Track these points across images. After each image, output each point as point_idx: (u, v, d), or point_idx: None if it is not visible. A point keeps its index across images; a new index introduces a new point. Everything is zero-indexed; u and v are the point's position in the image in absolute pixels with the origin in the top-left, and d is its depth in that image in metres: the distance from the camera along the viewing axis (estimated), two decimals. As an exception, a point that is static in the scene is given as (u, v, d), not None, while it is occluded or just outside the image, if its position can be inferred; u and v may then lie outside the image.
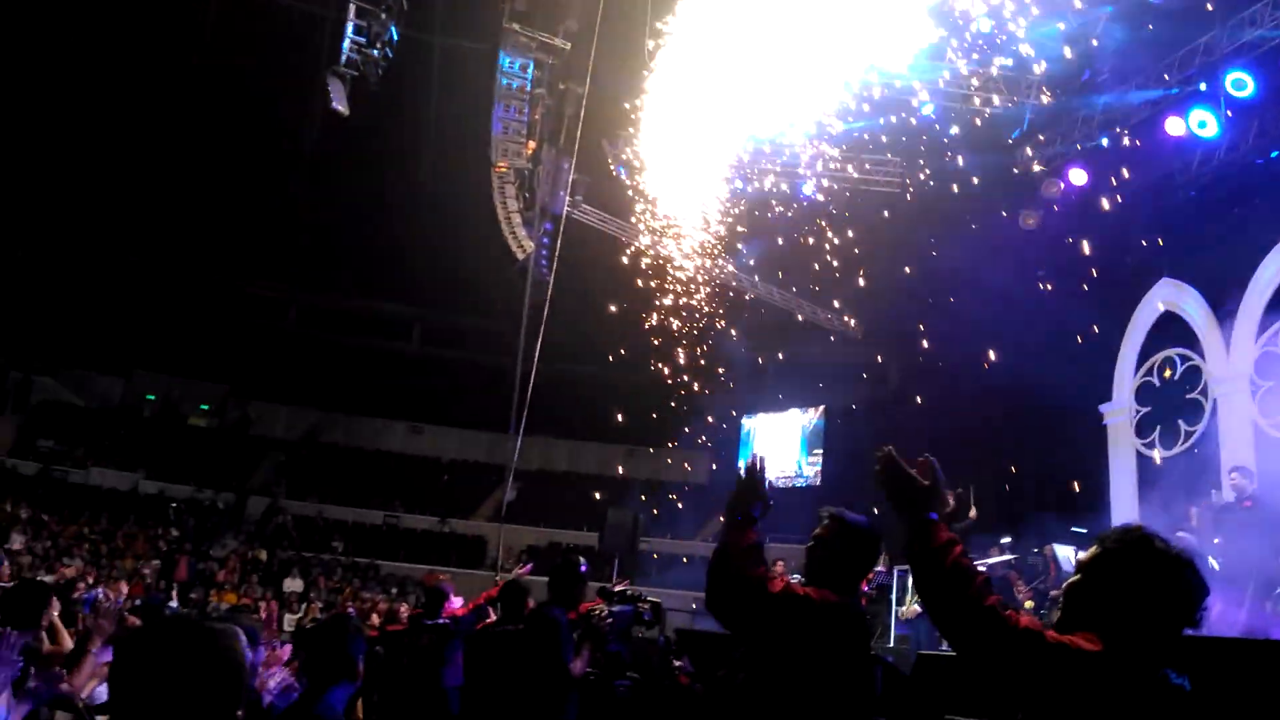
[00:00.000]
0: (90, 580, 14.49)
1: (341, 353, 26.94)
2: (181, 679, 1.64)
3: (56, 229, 23.40)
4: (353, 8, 15.69)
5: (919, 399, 17.05)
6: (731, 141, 12.70)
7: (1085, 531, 10.37)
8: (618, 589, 5.90)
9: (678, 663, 6.34)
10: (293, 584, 19.31)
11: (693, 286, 15.88)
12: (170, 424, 26.10)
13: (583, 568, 5.66)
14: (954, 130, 14.95)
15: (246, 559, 20.19)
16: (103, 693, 4.90)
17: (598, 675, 5.36)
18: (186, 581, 18.17)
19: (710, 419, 21.21)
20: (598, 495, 22.66)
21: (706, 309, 16.30)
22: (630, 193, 14.40)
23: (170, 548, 19.54)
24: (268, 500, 23.75)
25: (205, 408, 27.21)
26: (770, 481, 3.80)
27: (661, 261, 15.50)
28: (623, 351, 18.39)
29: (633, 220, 16.12)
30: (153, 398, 26.63)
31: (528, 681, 4.93)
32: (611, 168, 16.81)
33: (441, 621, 7.08)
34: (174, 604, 15.92)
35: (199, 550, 20.04)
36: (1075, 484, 14.73)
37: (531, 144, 17.85)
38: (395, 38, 16.13)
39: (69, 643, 5.14)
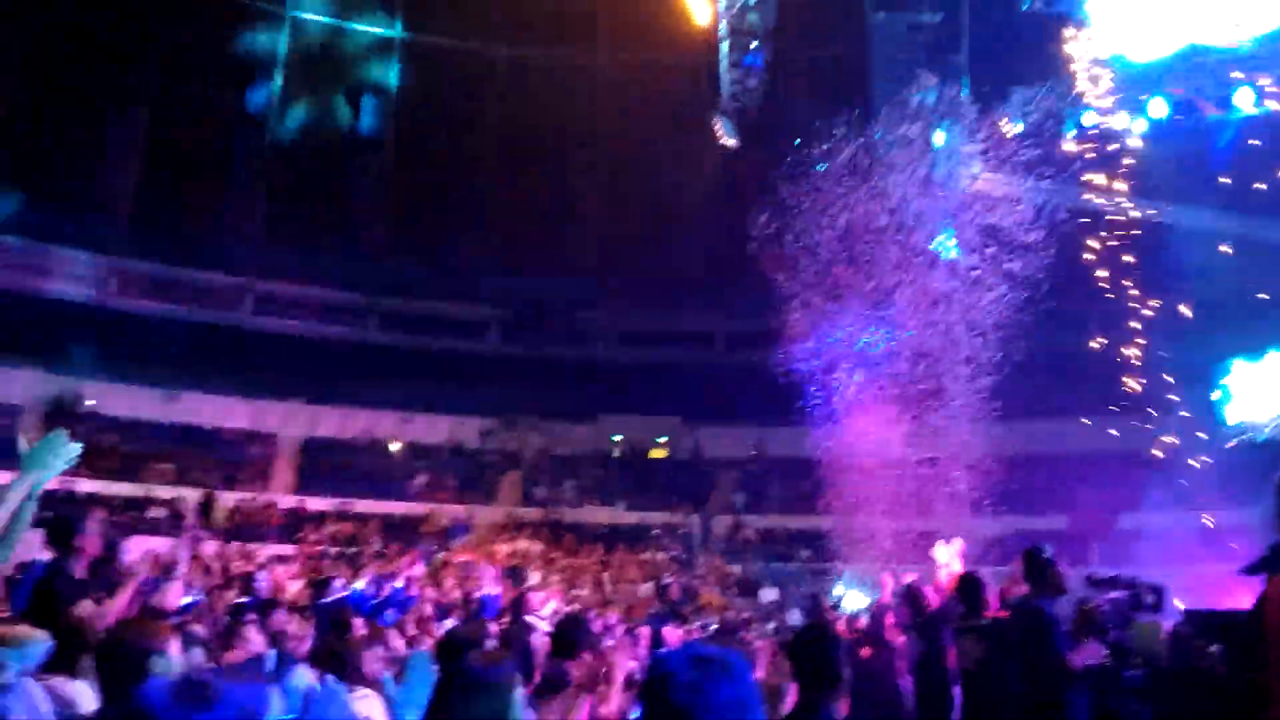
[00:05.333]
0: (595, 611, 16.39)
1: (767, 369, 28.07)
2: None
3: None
4: (725, 45, 16.56)
5: None
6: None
7: None
8: (1108, 575, 5.50)
9: (1212, 647, 5.64)
10: (768, 594, 20.27)
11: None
12: (637, 459, 29.10)
13: (1048, 553, 5.34)
14: None
15: (722, 575, 21.59)
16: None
17: (1105, 667, 5.01)
18: (678, 601, 19.85)
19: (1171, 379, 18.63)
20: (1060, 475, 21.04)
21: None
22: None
23: (658, 571, 21.53)
24: (731, 517, 25.36)
25: (662, 440, 30.04)
26: None
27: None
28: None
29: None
30: (618, 438, 29.91)
31: (1021, 675, 4.75)
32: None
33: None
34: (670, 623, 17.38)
35: (681, 571, 21.83)
36: None
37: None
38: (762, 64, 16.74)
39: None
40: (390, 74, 33.01)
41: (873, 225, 15.66)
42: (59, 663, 3.57)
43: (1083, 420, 22.65)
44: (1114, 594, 5.12)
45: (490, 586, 9.66)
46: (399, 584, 10.02)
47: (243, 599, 8.16)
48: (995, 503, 17.79)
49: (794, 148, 15.59)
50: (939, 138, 14.62)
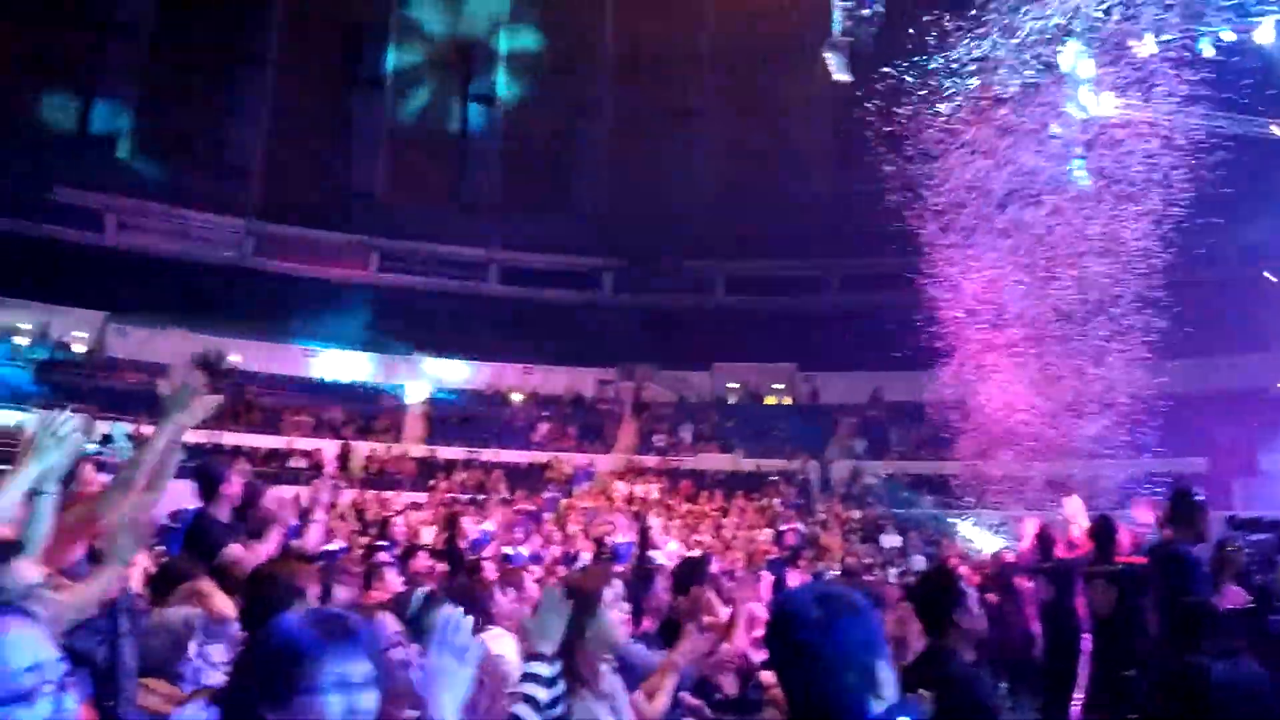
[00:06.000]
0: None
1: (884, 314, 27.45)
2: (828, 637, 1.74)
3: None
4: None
5: None
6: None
7: None
8: (1249, 518, 5.23)
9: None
10: (890, 540, 20.04)
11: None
12: (753, 406, 29.05)
13: (1198, 495, 5.10)
14: None
15: (843, 521, 21.43)
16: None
17: (1249, 611, 4.79)
18: (796, 547, 19.79)
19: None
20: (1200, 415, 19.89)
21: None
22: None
23: (776, 517, 21.51)
24: (850, 463, 25.11)
25: (779, 387, 29.87)
26: None
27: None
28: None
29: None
30: (734, 385, 29.88)
31: (1160, 621, 4.58)
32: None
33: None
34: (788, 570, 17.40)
35: (800, 517, 21.76)
36: None
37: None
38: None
39: (722, 614, 5.79)
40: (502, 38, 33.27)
41: (997, 159, 14.96)
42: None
43: (1224, 358, 21.43)
44: (1256, 536, 4.88)
45: (623, 534, 9.87)
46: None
47: (380, 543, 8.57)
48: (1131, 445, 17.07)
49: (912, 80, 14.98)
50: (1067, 60, 13.78)
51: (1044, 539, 7.29)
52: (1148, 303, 14.69)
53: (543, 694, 2.68)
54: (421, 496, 21.96)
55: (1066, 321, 15.63)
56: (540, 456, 25.84)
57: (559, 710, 2.81)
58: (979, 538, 19.90)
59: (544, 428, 27.21)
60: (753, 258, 30.53)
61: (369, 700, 1.74)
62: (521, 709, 2.58)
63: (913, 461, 25.02)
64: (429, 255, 31.40)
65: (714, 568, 7.22)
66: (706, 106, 32.34)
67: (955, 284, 16.46)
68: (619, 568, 8.03)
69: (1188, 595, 4.50)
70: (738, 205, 30.56)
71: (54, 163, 26.24)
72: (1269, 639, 4.70)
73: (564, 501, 21.84)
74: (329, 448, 24.11)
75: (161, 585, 4.02)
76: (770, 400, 30.08)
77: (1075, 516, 7.61)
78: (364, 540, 10.27)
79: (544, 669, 2.70)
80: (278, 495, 4.91)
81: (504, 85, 33.67)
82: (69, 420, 2.81)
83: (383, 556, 5.34)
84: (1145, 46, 13.33)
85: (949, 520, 21.51)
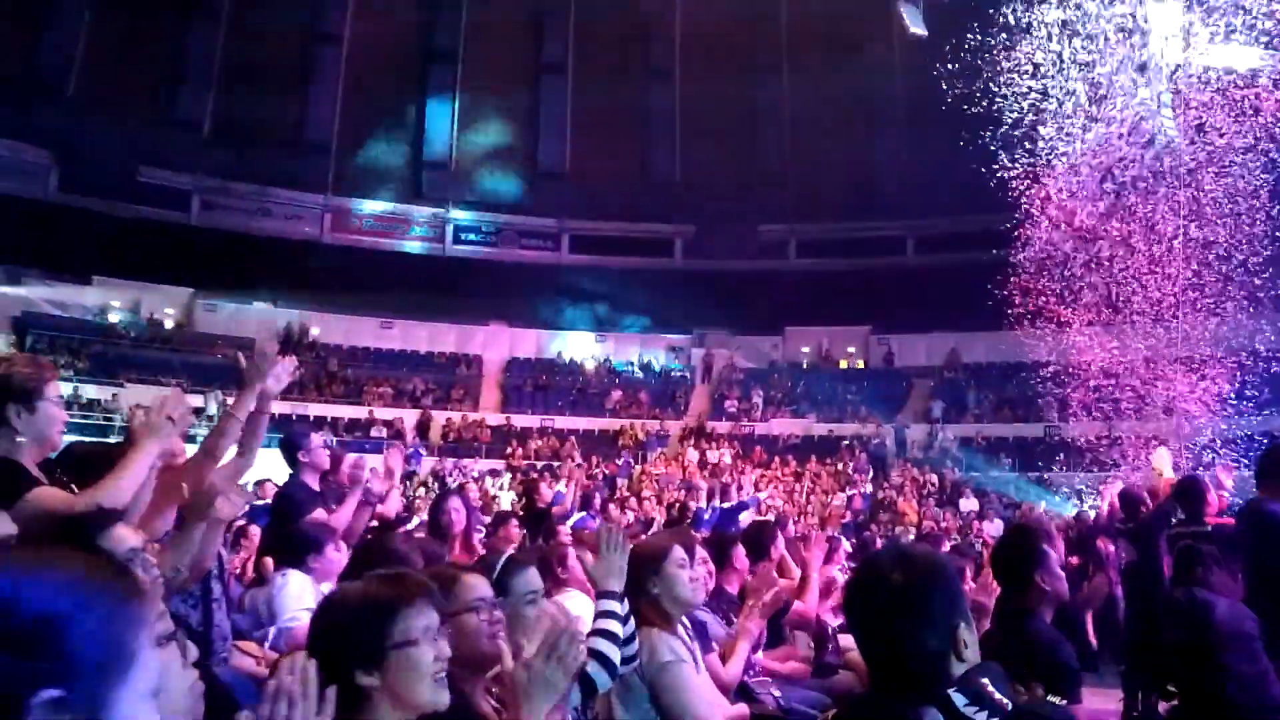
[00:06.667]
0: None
1: (961, 274, 26.85)
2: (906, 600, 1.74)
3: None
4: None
5: None
6: None
7: None
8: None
9: None
10: (968, 503, 19.77)
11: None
12: (825, 370, 28.78)
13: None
14: None
15: (919, 485, 21.19)
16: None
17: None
18: (868, 510, 19.68)
19: None
20: None
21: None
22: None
23: (849, 482, 21.39)
24: (925, 426, 24.74)
25: (852, 350, 29.54)
26: None
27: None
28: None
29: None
30: (806, 349, 29.66)
31: (1248, 583, 4.44)
32: None
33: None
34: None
35: (876, 481, 21.59)
36: None
37: None
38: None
39: (795, 571, 5.80)
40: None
41: (1082, 111, 14.36)
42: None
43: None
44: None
45: (702, 500, 9.89)
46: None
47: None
48: (1227, 404, 16.43)
49: (991, 35, 14.43)
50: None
51: (1126, 500, 7.10)
52: (1249, 257, 14.07)
53: (617, 628, 2.74)
54: (498, 463, 22.36)
55: (1161, 278, 15.07)
56: (613, 424, 26.04)
57: (634, 647, 2.87)
58: (1060, 500, 19.51)
59: (617, 394, 27.40)
60: (825, 219, 30.12)
61: (445, 648, 1.85)
62: (599, 643, 2.64)
63: (991, 424, 24.53)
64: (506, 226, 31.79)
65: (788, 532, 7.22)
66: (780, 66, 31.74)
67: (1044, 241, 15.97)
68: (700, 534, 8.10)
69: (1276, 555, 4.36)
70: (808, 167, 30.09)
71: (140, 146, 27.15)
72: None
73: (638, 468, 22.03)
74: (409, 417, 24.71)
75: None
76: (843, 364, 29.71)
77: (1162, 469, 7.39)
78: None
79: (615, 605, 2.76)
80: (357, 460, 5.03)
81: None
82: (181, 400, 2.97)
83: (455, 518, 5.44)
84: None
85: (1028, 483, 21.11)
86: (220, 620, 3.63)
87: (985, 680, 1.65)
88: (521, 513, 9.19)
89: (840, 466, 22.29)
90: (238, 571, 5.75)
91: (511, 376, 28.46)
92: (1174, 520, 6.34)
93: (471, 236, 31.95)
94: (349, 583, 1.96)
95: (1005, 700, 1.61)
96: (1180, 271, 14.83)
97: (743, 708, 3.67)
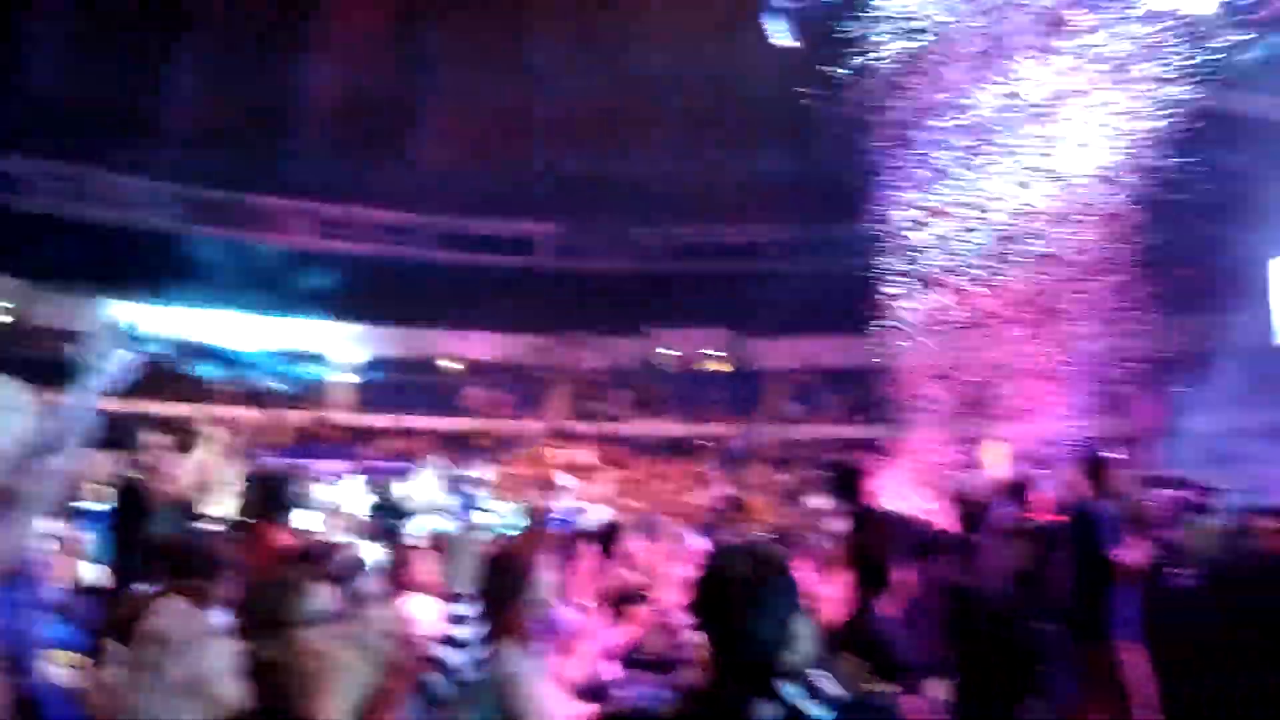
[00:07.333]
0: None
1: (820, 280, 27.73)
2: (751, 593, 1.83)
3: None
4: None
5: None
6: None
7: None
8: (1160, 476, 5.42)
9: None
10: (816, 502, 20.33)
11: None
12: (687, 372, 29.29)
13: (1104, 455, 5.29)
14: None
15: (772, 485, 21.70)
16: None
17: (1155, 566, 4.96)
18: (728, 510, 20.00)
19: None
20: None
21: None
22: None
23: (709, 482, 21.70)
24: (781, 428, 25.47)
25: (711, 352, 30.17)
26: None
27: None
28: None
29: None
30: (668, 352, 30.05)
31: (1073, 576, 4.73)
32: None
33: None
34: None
35: (732, 481, 21.98)
36: None
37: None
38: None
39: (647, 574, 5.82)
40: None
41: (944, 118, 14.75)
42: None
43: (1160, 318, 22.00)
44: (1166, 493, 5.05)
45: (559, 501, 9.78)
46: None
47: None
48: (1061, 408, 17.40)
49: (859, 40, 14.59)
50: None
51: (957, 499, 7.41)
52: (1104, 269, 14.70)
53: (464, 633, 2.74)
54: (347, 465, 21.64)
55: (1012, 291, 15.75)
56: (470, 424, 25.66)
57: (484, 651, 2.94)
58: (903, 501, 20.27)
59: (476, 394, 26.98)
60: (696, 223, 30.55)
61: None
62: (441, 650, 2.68)
63: (845, 426, 25.38)
64: (363, 219, 30.82)
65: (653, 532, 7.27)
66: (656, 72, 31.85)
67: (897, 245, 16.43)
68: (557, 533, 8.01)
69: (1094, 551, 4.64)
70: (685, 171, 30.37)
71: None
72: (1175, 593, 4.88)
73: (496, 469, 21.74)
74: (253, 416, 23.63)
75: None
76: (704, 366, 30.24)
77: (997, 464, 7.76)
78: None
79: (463, 609, 2.75)
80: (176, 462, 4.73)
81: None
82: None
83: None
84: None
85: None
86: (28, 625, 3.35)
87: (820, 673, 1.73)
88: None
89: (698, 467, 22.62)
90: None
91: (366, 375, 27.65)
92: (1005, 516, 6.67)
93: (334, 230, 30.91)
94: None
95: (836, 693, 1.70)
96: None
97: (592, 708, 3.64)
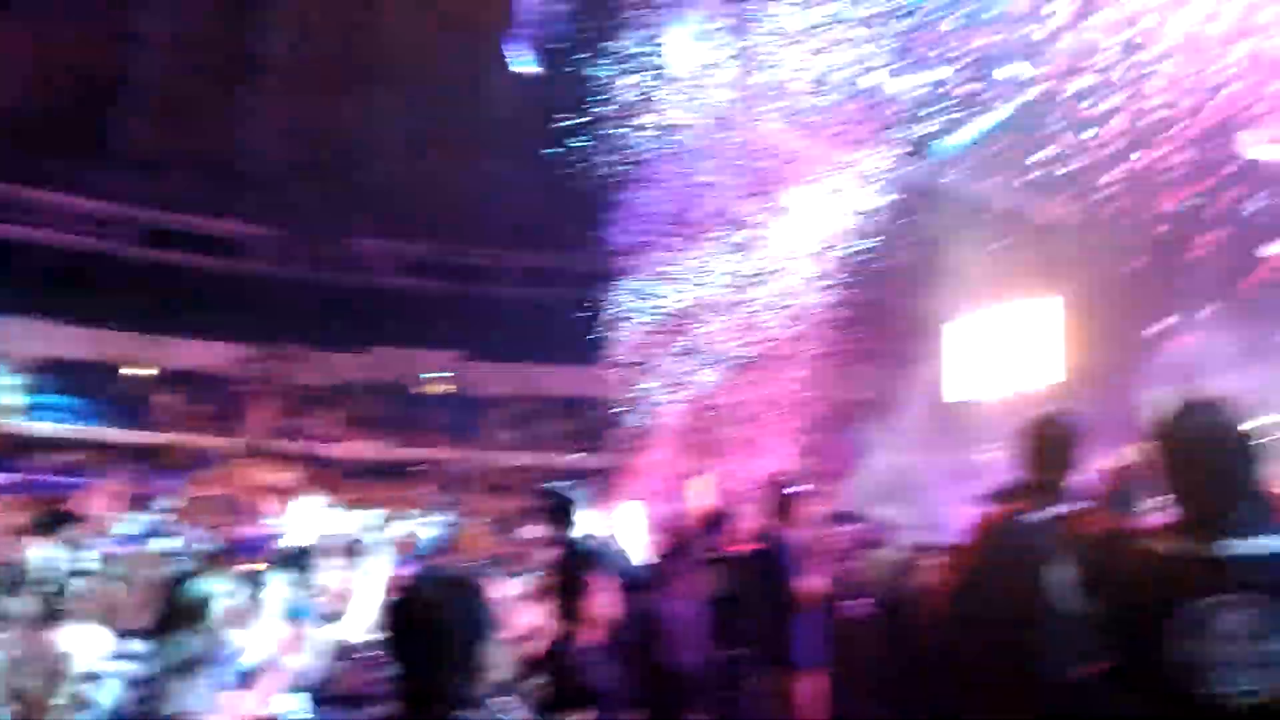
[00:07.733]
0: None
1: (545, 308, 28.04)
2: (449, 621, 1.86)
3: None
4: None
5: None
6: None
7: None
8: (843, 511, 5.89)
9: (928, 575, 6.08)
10: (530, 531, 20.43)
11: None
12: (406, 393, 28.49)
13: (791, 488, 5.69)
14: None
15: (488, 512, 21.56)
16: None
17: (832, 596, 5.36)
18: (438, 537, 19.60)
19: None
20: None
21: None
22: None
23: (422, 507, 21.17)
24: (499, 454, 25.41)
25: (434, 374, 29.62)
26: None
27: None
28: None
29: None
30: (390, 371, 29.10)
31: (754, 603, 5.03)
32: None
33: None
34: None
35: (447, 507, 21.60)
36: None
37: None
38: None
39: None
40: None
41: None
42: None
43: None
44: (847, 527, 5.50)
45: (256, 526, 9.21)
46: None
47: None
48: (764, 444, 18.54)
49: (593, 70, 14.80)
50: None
51: (668, 529, 7.67)
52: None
53: (135, 668, 2.78)
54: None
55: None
56: (163, 437, 23.50)
57: (156, 688, 2.86)
58: (622, 528, 20.78)
59: (168, 404, 24.75)
60: (427, 241, 29.89)
61: None
62: (91, 689, 2.57)
63: (564, 454, 25.68)
64: (58, 206, 27.45)
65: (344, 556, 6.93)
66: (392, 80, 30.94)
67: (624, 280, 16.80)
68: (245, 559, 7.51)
69: (781, 579, 4.95)
70: (420, 188, 29.62)
71: None
72: (848, 621, 5.30)
73: (187, 488, 20.00)
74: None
75: None
76: (424, 388, 29.54)
77: (703, 496, 8.09)
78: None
79: (136, 646, 2.82)
80: None
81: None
82: None
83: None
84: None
85: (595, 513, 22.33)
86: None
87: (506, 700, 1.75)
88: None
89: (412, 493, 22.04)
90: None
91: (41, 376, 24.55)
92: (704, 545, 6.99)
93: (26, 218, 27.28)
94: None
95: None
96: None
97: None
